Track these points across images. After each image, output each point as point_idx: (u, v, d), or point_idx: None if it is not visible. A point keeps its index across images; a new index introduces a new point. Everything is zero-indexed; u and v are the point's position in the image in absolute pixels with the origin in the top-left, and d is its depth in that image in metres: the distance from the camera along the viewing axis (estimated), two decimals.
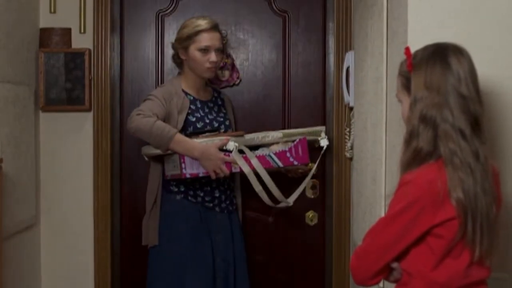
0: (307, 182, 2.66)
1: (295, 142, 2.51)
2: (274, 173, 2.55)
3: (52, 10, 2.82)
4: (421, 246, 1.47)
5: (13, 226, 2.45)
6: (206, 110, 2.60)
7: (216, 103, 2.69)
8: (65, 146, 2.85)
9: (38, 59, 2.76)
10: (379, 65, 2.08)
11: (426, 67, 1.48)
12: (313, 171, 2.62)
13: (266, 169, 2.47)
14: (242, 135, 2.52)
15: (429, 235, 1.45)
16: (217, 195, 2.58)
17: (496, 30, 1.79)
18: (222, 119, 2.64)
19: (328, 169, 2.89)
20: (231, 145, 2.44)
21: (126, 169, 2.89)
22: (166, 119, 2.45)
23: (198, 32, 2.50)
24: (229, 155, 2.43)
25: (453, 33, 1.72)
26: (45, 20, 2.82)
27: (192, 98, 2.57)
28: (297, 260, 2.94)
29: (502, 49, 1.79)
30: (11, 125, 2.46)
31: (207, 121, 2.57)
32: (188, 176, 2.43)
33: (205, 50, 2.50)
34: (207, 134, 2.50)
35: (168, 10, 2.90)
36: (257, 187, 2.48)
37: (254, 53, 2.91)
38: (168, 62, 2.85)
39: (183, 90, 2.56)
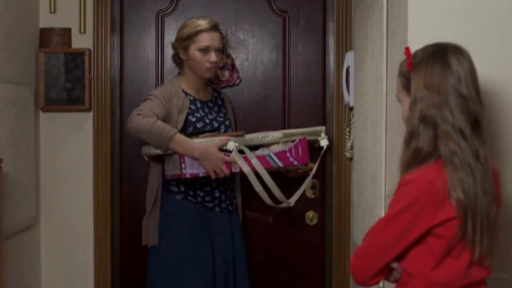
0: (308, 182, 2.66)
1: (295, 142, 2.51)
2: (274, 173, 2.55)
3: (52, 10, 2.82)
4: (421, 246, 1.47)
5: (13, 226, 2.45)
6: (206, 110, 2.60)
7: (216, 103, 2.69)
8: (65, 146, 2.85)
9: (38, 59, 2.76)
10: (379, 65, 2.08)
11: (426, 67, 1.48)
12: (313, 171, 2.62)
13: (266, 169, 2.47)
14: (242, 135, 2.52)
15: (429, 235, 1.45)
16: (217, 195, 2.58)
17: (496, 30, 1.79)
18: (222, 119, 2.64)
19: (328, 169, 2.89)
20: (231, 145, 2.44)
21: (126, 169, 2.89)
22: (166, 119, 2.45)
23: (198, 32, 2.50)
24: (229, 155, 2.43)
25: (453, 33, 1.72)
26: (45, 20, 2.82)
27: (192, 98, 2.57)
28: (297, 260, 2.94)
29: (502, 49, 1.79)
30: (11, 125, 2.46)
31: (207, 121, 2.57)
32: (188, 176, 2.43)
33: (205, 50, 2.50)
34: (207, 134, 2.50)
35: (168, 10, 2.90)
36: (258, 187, 2.48)
37: (254, 53, 2.91)
38: (168, 62, 2.85)
39: (183, 90, 2.56)
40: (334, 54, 2.86)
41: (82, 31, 2.83)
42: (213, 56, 2.51)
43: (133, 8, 2.89)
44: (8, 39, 2.46)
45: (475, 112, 1.46)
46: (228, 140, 2.44)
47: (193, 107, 2.55)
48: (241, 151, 2.46)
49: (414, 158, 1.47)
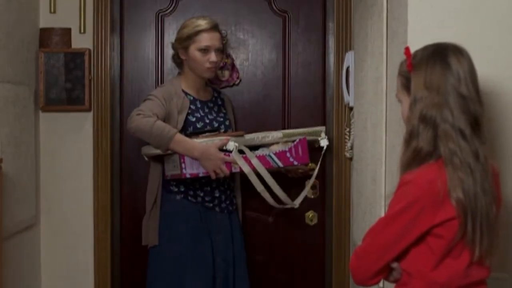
0: (311, 183, 2.66)
1: (295, 142, 2.51)
2: (274, 173, 2.55)
3: (52, 10, 2.82)
4: (421, 246, 1.47)
5: (13, 226, 2.45)
6: (206, 110, 2.60)
7: (216, 103, 2.69)
8: (65, 146, 2.85)
9: (38, 59, 2.76)
10: (379, 65, 2.08)
11: (426, 67, 1.48)
12: (316, 171, 2.63)
13: (266, 169, 2.47)
14: (242, 135, 2.52)
15: (429, 235, 1.45)
16: (217, 195, 2.58)
17: (496, 30, 1.78)
18: (222, 119, 2.64)
19: (328, 169, 2.89)
20: (231, 145, 2.44)
21: (126, 169, 2.89)
22: (166, 119, 2.45)
23: (198, 32, 2.50)
24: (229, 155, 2.43)
25: (453, 33, 1.72)
26: (45, 20, 2.82)
27: (192, 98, 2.57)
28: (297, 260, 2.94)
29: (502, 49, 1.79)
30: (11, 125, 2.46)
31: (207, 121, 2.57)
32: (188, 176, 2.43)
33: (205, 50, 2.50)
34: (207, 134, 2.50)
35: (168, 10, 2.90)
36: (259, 187, 2.48)
37: (254, 53, 2.91)
38: (168, 62, 2.85)
39: (183, 90, 2.56)
40: (334, 54, 2.86)
41: (82, 31, 2.83)
42: (213, 56, 2.51)
43: (133, 8, 2.89)
44: (8, 39, 2.46)
45: (475, 112, 1.46)
46: (228, 140, 2.44)
47: (193, 107, 2.55)
48: (241, 151, 2.46)
49: (414, 158, 1.47)
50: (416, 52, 1.54)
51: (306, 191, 2.66)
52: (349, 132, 2.75)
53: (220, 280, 2.54)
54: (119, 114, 2.87)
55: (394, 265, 1.51)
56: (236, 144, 2.45)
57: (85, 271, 2.86)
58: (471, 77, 1.47)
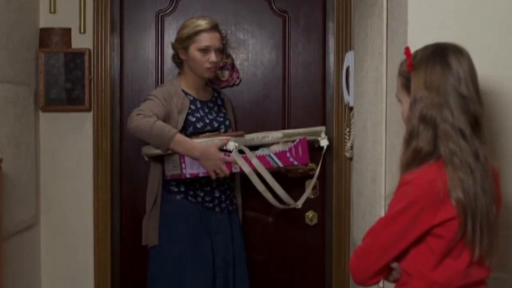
0: (313, 183, 2.66)
1: (295, 142, 2.51)
2: (274, 173, 2.55)
3: (52, 10, 2.82)
4: (421, 246, 1.47)
5: (13, 226, 2.45)
6: (206, 110, 2.60)
7: (216, 103, 2.69)
8: (65, 146, 2.85)
9: (38, 59, 2.76)
10: (379, 65, 2.08)
11: (426, 67, 1.48)
12: (317, 172, 2.63)
13: (266, 169, 2.47)
14: (242, 135, 2.52)
15: (429, 235, 1.45)
16: (217, 195, 2.58)
17: (496, 30, 1.78)
18: (222, 119, 2.64)
19: (328, 169, 2.89)
20: (231, 145, 2.44)
21: (126, 169, 2.89)
22: (166, 119, 2.45)
23: (198, 32, 2.50)
24: (229, 155, 2.43)
25: (453, 33, 1.72)
26: (45, 20, 2.82)
27: (192, 98, 2.57)
28: (297, 260, 2.94)
29: (502, 49, 1.79)
30: (11, 125, 2.46)
31: (207, 121, 2.57)
32: (188, 176, 2.43)
33: (205, 50, 2.50)
34: (207, 134, 2.50)
35: (168, 10, 2.90)
36: (260, 187, 2.48)
37: (254, 53, 2.91)
38: (168, 62, 2.85)
39: (183, 90, 2.56)
40: (334, 54, 2.86)
41: (82, 31, 2.83)
42: (213, 56, 2.51)
43: (133, 8, 2.89)
44: (8, 39, 2.46)
45: (475, 112, 1.46)
46: (228, 140, 2.44)
47: (193, 107, 2.55)
48: (241, 151, 2.46)
49: (414, 158, 1.47)
50: (416, 52, 1.53)
51: (309, 191, 2.66)
52: (349, 132, 2.75)
53: (220, 280, 2.54)
54: (119, 114, 2.87)
55: (394, 265, 1.51)
56: (236, 144, 2.45)
57: (85, 271, 2.86)
58: (471, 77, 1.47)
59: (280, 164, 2.50)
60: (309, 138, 2.56)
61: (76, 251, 2.86)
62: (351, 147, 2.69)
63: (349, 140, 2.74)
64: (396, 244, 1.47)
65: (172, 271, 2.49)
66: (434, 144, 1.45)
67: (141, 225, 2.61)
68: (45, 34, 2.79)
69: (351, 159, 2.75)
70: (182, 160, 2.40)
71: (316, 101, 2.91)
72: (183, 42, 2.53)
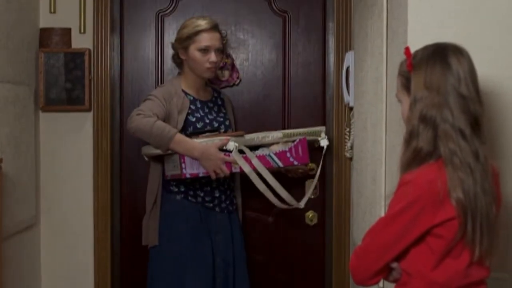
0: (315, 183, 2.66)
1: (295, 142, 2.51)
2: (274, 173, 2.55)
3: (52, 10, 2.82)
4: (421, 246, 1.47)
5: (13, 226, 2.45)
6: (206, 110, 2.60)
7: (216, 103, 2.69)
8: (65, 146, 2.85)
9: (38, 59, 2.76)
10: (379, 65, 2.08)
11: (426, 67, 1.48)
12: (318, 172, 2.62)
13: (266, 169, 2.47)
14: (242, 135, 2.52)
15: (429, 235, 1.45)
16: (217, 195, 2.58)
17: (496, 30, 1.78)
18: (222, 119, 2.64)
19: (328, 169, 2.89)
20: (231, 145, 2.44)
21: (126, 169, 2.89)
22: (166, 119, 2.45)
23: (198, 32, 2.50)
24: (229, 155, 2.43)
25: (453, 33, 1.72)
26: (45, 20, 2.82)
27: (192, 98, 2.57)
28: (297, 260, 2.94)
29: (502, 49, 1.79)
30: (11, 125, 2.46)
31: (207, 121, 2.57)
32: (188, 176, 2.43)
33: (205, 50, 2.50)
34: (207, 134, 2.50)
35: (168, 10, 2.90)
36: (261, 186, 2.47)
37: (254, 53, 2.91)
38: (168, 62, 2.85)
39: (183, 90, 2.56)
40: (334, 54, 2.86)
41: (82, 31, 2.83)
42: (213, 56, 2.51)
43: (133, 8, 2.89)
44: (8, 39, 2.46)
45: (475, 112, 1.46)
46: (228, 140, 2.44)
47: (193, 107, 2.55)
48: (241, 151, 2.46)
49: (414, 158, 1.47)
50: (416, 52, 1.54)
51: (311, 192, 2.66)
52: (349, 132, 2.75)
53: (220, 280, 2.54)
54: (119, 114, 2.87)
55: (394, 265, 1.51)
56: (236, 144, 2.45)
57: (85, 271, 2.86)
58: (471, 77, 1.47)
59: (280, 164, 2.50)
60: (309, 138, 2.56)
61: (76, 251, 2.86)
62: (351, 147, 2.69)
63: (349, 140, 2.74)
64: (396, 244, 1.47)
65: (172, 271, 2.49)
66: (434, 144, 1.45)
67: (141, 225, 2.61)
68: (45, 34, 2.79)
69: (351, 159, 2.75)
70: (182, 160, 2.40)
71: (316, 101, 2.91)
72: (183, 42, 2.53)
